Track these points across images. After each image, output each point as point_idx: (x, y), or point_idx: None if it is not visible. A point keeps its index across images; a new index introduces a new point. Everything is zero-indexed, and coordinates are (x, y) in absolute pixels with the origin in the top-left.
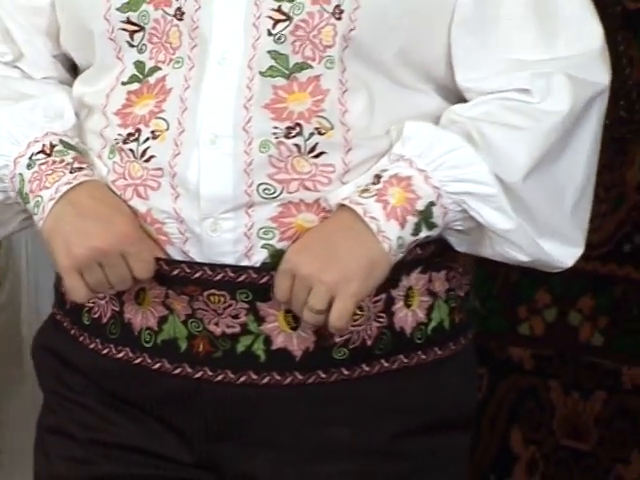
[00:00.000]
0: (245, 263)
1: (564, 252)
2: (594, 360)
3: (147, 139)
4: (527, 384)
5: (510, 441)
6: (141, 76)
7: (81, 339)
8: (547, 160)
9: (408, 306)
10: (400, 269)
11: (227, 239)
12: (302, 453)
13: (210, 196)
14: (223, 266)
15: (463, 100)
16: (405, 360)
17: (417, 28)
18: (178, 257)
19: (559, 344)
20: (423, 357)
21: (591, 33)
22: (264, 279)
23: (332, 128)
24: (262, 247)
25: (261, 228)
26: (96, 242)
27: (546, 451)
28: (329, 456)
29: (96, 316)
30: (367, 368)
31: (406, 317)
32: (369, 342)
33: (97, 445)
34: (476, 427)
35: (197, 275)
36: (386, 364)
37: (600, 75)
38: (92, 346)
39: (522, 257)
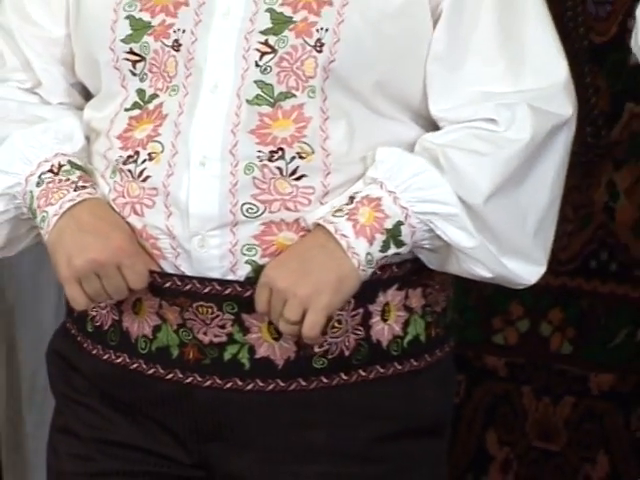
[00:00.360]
0: (231, 277)
1: (527, 270)
2: (563, 367)
3: (144, 161)
4: (501, 390)
5: (486, 442)
6: (142, 103)
7: (85, 345)
8: (509, 184)
9: (385, 320)
10: (377, 286)
11: (214, 255)
12: (285, 454)
13: (198, 214)
14: (210, 280)
15: (439, 128)
16: (381, 370)
17: (394, 61)
18: (171, 270)
19: (531, 353)
20: (399, 368)
21: (556, 68)
22: (248, 292)
23: (313, 153)
24: (246, 263)
25: (245, 245)
26: (94, 255)
27: (519, 452)
28: (310, 458)
29: (98, 324)
30: (345, 377)
31: (382, 330)
32: (347, 353)
33: (99, 443)
34: (454, 430)
35: (187, 288)
36: (363, 373)
37: (564, 107)
38: (94, 352)
39: (485, 273)
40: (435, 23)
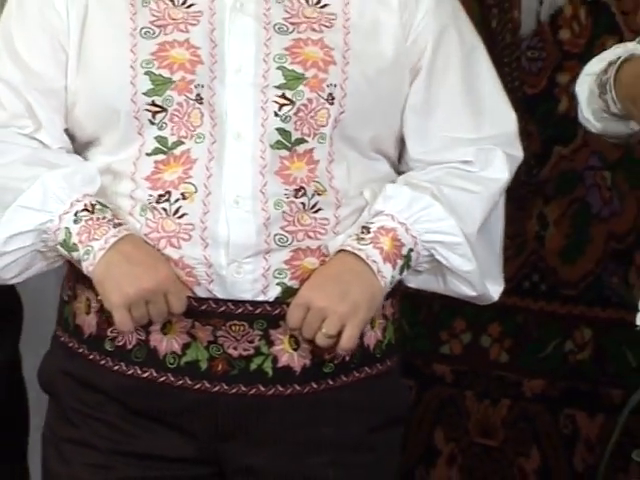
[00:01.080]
0: (261, 298)
1: (495, 289)
2: (501, 374)
3: (177, 200)
4: (447, 394)
5: (434, 439)
6: (165, 149)
7: (102, 363)
8: (487, 217)
9: (372, 327)
10: None
11: (248, 279)
12: (298, 448)
13: (237, 245)
14: (243, 302)
15: (398, 163)
16: (369, 370)
17: (385, 115)
18: (204, 295)
19: (473, 362)
20: (380, 367)
21: (509, 118)
22: (277, 311)
23: (325, 190)
24: (276, 284)
25: (276, 269)
26: (146, 284)
27: (463, 447)
28: (320, 450)
29: (120, 344)
30: (345, 378)
31: (371, 336)
32: (347, 358)
33: (116, 454)
34: (406, 428)
35: (222, 309)
36: (357, 374)
37: (518, 150)
38: (116, 368)
39: (471, 292)
40: (412, 80)
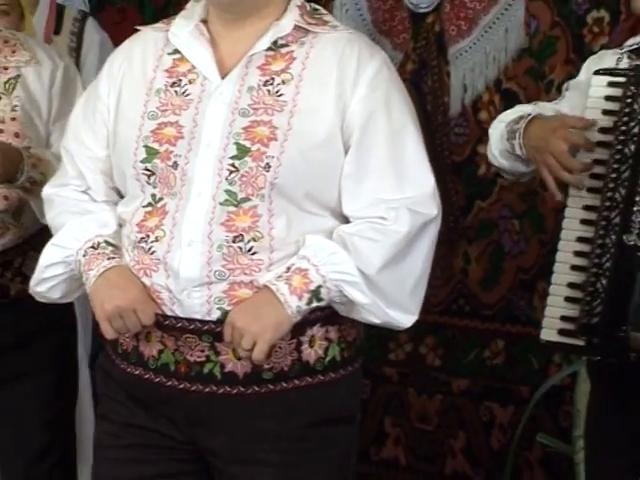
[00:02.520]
0: (207, 318)
1: (405, 318)
2: (435, 375)
3: (152, 241)
4: (394, 390)
5: (384, 425)
6: (153, 202)
7: (117, 362)
8: (393, 261)
9: (311, 347)
10: (306, 324)
11: (196, 303)
12: (245, 437)
13: (187, 277)
14: (194, 320)
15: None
16: (309, 380)
17: (318, 179)
18: (169, 313)
19: (413, 366)
20: (322, 378)
21: (426, 182)
22: (218, 328)
23: (262, 237)
24: (217, 309)
25: (217, 297)
26: (118, 302)
27: (406, 431)
28: (263, 439)
29: (124, 348)
30: (285, 384)
31: (310, 354)
32: (286, 369)
33: (125, 425)
34: (362, 416)
35: (179, 325)
36: (297, 382)
37: (431, 209)
38: (122, 366)
39: (375, 320)
40: (346, 152)
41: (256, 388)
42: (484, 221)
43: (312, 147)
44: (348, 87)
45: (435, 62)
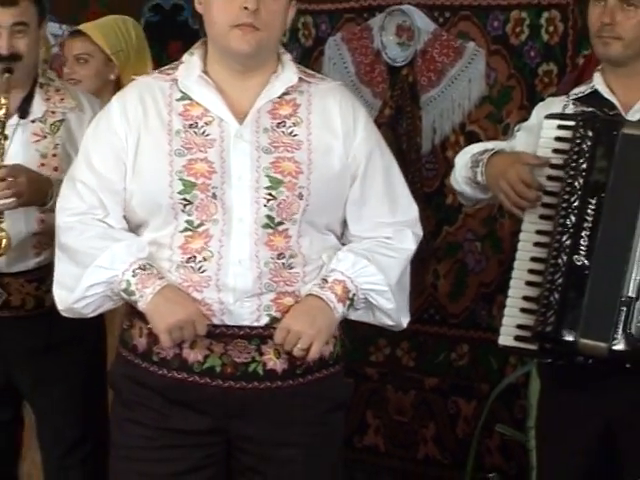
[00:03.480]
0: (256, 324)
1: (405, 320)
2: (410, 375)
3: (200, 261)
4: (374, 387)
5: (366, 416)
6: (192, 228)
7: (150, 369)
8: (403, 274)
9: (327, 343)
10: None
11: (247, 312)
12: (279, 423)
13: (241, 290)
14: (243, 327)
15: (342, 236)
16: (325, 372)
17: (334, 206)
18: (218, 323)
19: (391, 366)
20: (332, 370)
21: (413, 208)
22: (266, 332)
23: (297, 255)
24: (266, 315)
25: (266, 305)
26: (180, 316)
27: (385, 422)
28: (294, 424)
29: (162, 357)
30: (310, 377)
31: (325, 350)
32: (311, 364)
33: (158, 429)
34: (347, 410)
35: (230, 332)
36: (317, 374)
37: (419, 230)
38: (159, 372)
39: (391, 323)
40: (351, 184)
41: (291, 382)
42: (451, 243)
43: (331, 179)
44: (350, 130)
45: (409, 108)
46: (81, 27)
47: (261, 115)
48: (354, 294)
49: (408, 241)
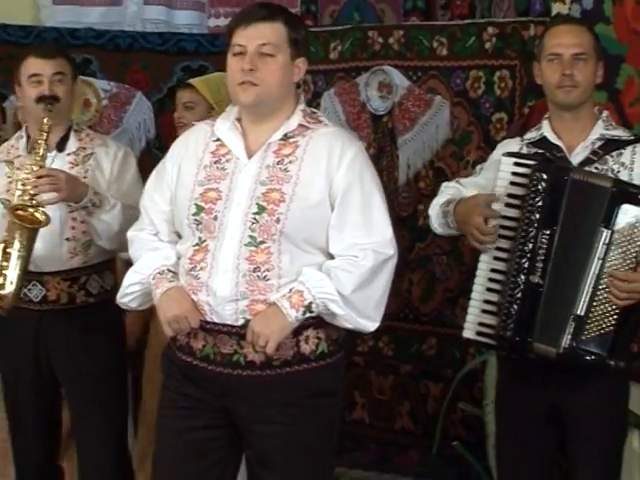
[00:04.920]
0: (235, 324)
1: (370, 325)
2: (389, 362)
3: (198, 270)
4: (361, 372)
5: (354, 396)
6: (199, 243)
7: (177, 352)
8: (362, 285)
9: (307, 343)
10: (302, 328)
11: (228, 313)
12: (260, 404)
13: (222, 296)
14: (227, 325)
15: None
16: (305, 366)
17: (313, 228)
18: (209, 320)
19: (374, 355)
20: (314, 365)
21: (386, 232)
22: (243, 330)
23: (274, 269)
24: (242, 318)
25: (242, 310)
26: (175, 311)
27: (369, 400)
28: (273, 406)
29: (180, 343)
30: (288, 369)
31: (305, 348)
32: (289, 358)
33: (179, 394)
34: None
35: (217, 328)
36: (297, 367)
37: (388, 250)
38: (179, 355)
39: (348, 325)
40: (332, 211)
41: (268, 372)
42: (422, 257)
43: (308, 207)
44: (334, 167)
45: (388, 148)
46: (190, 81)
47: (267, 154)
48: (310, 302)
49: (368, 259)
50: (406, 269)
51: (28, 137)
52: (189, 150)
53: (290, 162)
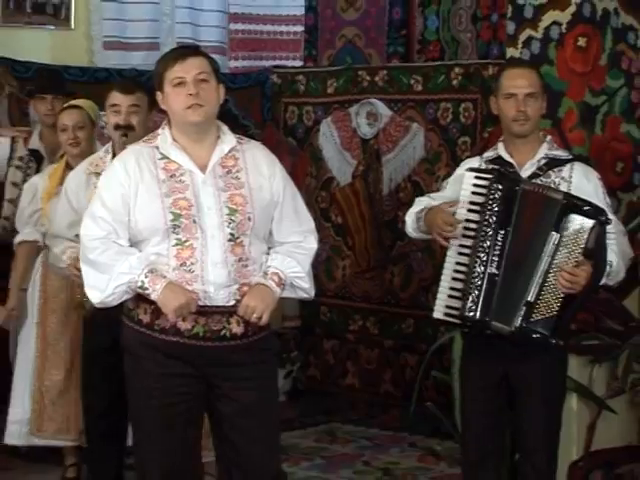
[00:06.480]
0: (227, 304)
1: (313, 293)
2: (375, 339)
3: (190, 264)
4: (352, 347)
5: (346, 366)
6: (180, 243)
7: (154, 335)
8: (311, 263)
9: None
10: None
11: (222, 297)
12: (239, 364)
13: (217, 283)
14: (219, 306)
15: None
16: (265, 333)
17: (267, 224)
18: (202, 304)
19: (363, 333)
20: (269, 332)
21: (311, 222)
22: (233, 309)
23: (249, 258)
24: (233, 299)
25: (233, 292)
26: (182, 301)
27: (359, 369)
28: (248, 364)
29: (162, 326)
30: (256, 337)
31: (264, 321)
32: (257, 329)
33: (161, 375)
34: (334, 360)
35: (210, 310)
36: (262, 334)
37: (317, 235)
38: (160, 337)
39: (305, 295)
40: (275, 208)
41: (245, 340)
42: (401, 253)
43: (265, 206)
44: (272, 174)
45: (375, 166)
46: (77, 102)
47: (216, 167)
48: (284, 280)
49: (311, 242)
50: (389, 263)
51: (113, 154)
52: (142, 169)
53: (237, 171)
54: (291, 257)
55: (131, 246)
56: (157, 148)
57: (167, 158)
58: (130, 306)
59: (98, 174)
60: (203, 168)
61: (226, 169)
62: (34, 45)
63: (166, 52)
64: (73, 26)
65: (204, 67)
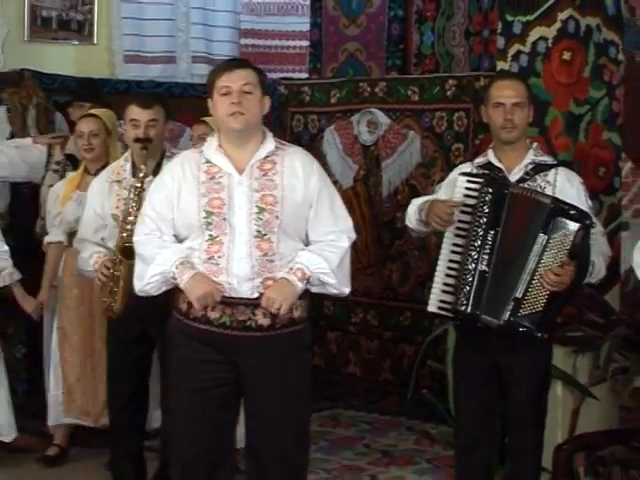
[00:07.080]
0: (251, 297)
1: (346, 289)
2: (375, 330)
3: (217, 258)
4: (354, 338)
5: (349, 355)
6: (211, 239)
7: (189, 323)
8: (342, 261)
9: (296, 310)
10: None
11: (245, 289)
12: (265, 356)
13: (241, 276)
14: (244, 298)
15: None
16: (295, 327)
17: (299, 222)
18: (227, 295)
19: (364, 325)
20: (301, 326)
21: (349, 222)
22: (257, 301)
23: (276, 254)
24: (257, 292)
25: (256, 286)
26: (202, 291)
27: (360, 359)
28: (275, 358)
29: (195, 315)
30: (285, 330)
31: (295, 314)
32: (286, 322)
33: (198, 360)
34: (337, 351)
35: (235, 301)
36: (290, 329)
37: (353, 235)
38: (194, 325)
39: (334, 291)
40: (310, 208)
41: (272, 332)
42: (399, 252)
43: (296, 206)
44: (307, 176)
45: (375, 170)
46: (94, 111)
47: (253, 169)
48: (309, 275)
49: (343, 241)
50: (387, 260)
51: (133, 163)
52: (186, 172)
53: (273, 174)
54: (320, 254)
55: (176, 242)
56: (202, 153)
57: (210, 162)
58: (176, 296)
59: (120, 182)
60: (241, 171)
61: (263, 172)
62: (60, 59)
63: (219, 64)
64: (96, 41)
65: (250, 79)
